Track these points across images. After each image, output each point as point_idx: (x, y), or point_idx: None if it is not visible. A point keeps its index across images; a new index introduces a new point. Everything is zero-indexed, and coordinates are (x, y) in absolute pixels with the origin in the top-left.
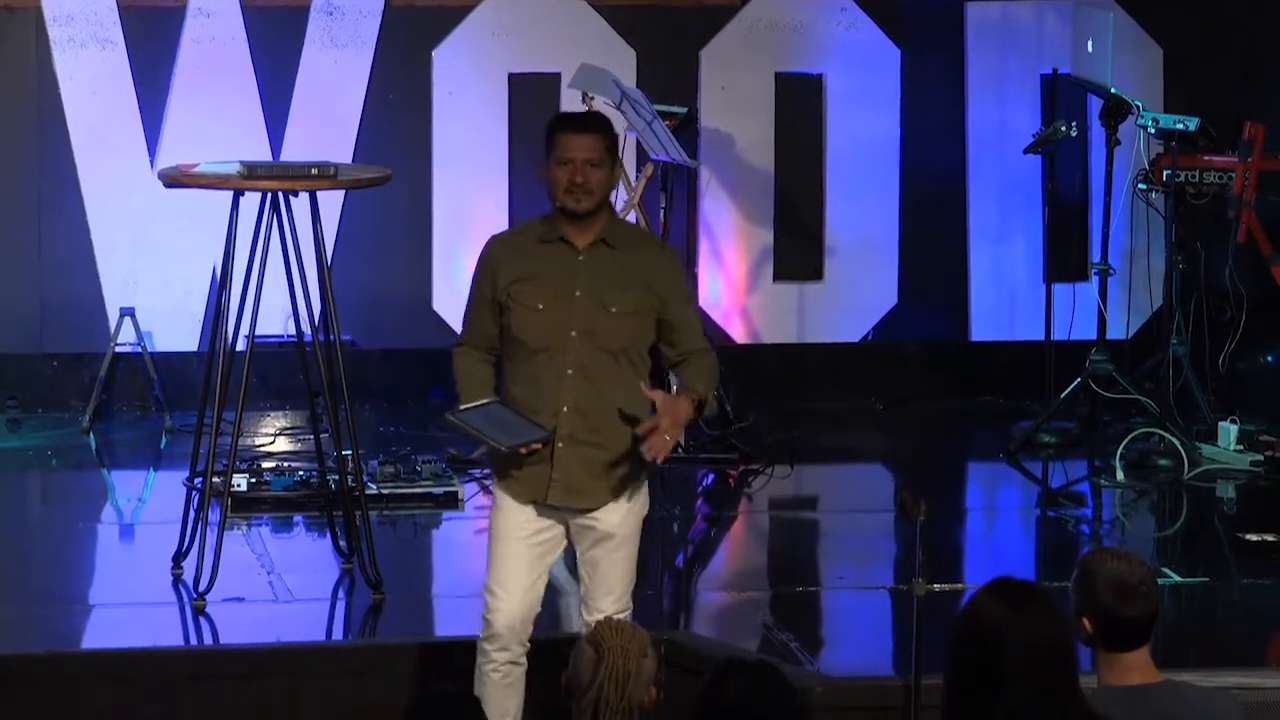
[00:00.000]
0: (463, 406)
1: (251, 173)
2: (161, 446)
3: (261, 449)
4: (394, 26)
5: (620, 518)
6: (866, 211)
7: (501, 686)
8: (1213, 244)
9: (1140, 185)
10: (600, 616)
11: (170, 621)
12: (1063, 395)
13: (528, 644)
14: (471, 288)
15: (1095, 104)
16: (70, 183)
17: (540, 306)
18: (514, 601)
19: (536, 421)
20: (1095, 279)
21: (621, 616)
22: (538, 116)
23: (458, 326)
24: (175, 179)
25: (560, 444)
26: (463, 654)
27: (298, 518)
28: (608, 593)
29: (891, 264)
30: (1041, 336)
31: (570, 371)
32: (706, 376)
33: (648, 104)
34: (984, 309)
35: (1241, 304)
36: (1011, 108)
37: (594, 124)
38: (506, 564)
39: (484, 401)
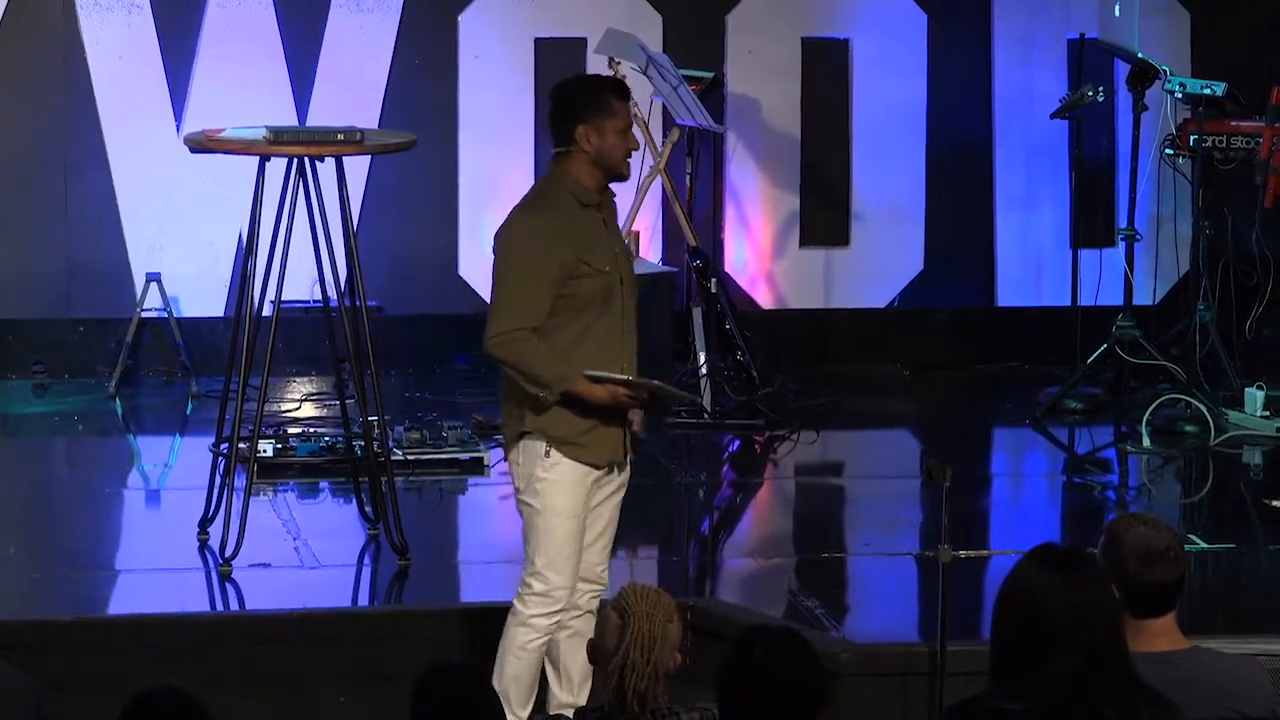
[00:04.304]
0: (612, 375)
1: (277, 138)
2: (187, 412)
3: (287, 415)
4: None
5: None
6: (893, 177)
7: (541, 655)
8: (1240, 209)
9: (1167, 150)
10: (597, 571)
11: (196, 587)
12: (1089, 361)
13: None
14: (524, 271)
15: (1122, 69)
16: (96, 148)
17: (608, 269)
18: (571, 580)
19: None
20: (1122, 245)
21: (604, 569)
22: None
23: (484, 292)
24: (201, 144)
25: None
26: (489, 620)
27: (323, 484)
28: (605, 546)
29: (918, 229)
30: (1068, 302)
31: (626, 326)
32: None
33: (674, 69)
34: (1010, 275)
35: (1268, 269)
36: (1038, 73)
37: None
38: (572, 543)
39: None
